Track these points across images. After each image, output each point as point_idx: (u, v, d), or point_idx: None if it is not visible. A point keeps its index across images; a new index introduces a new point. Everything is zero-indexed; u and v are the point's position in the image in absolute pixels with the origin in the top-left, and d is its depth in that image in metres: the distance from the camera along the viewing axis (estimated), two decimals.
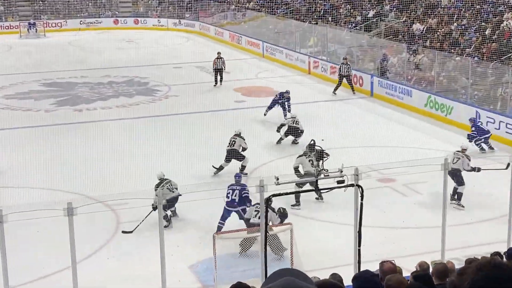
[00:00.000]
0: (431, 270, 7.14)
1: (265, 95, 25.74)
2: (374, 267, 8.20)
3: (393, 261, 6.69)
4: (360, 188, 10.39)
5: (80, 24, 44.83)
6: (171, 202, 12.87)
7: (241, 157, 16.25)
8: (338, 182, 10.20)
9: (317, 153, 10.69)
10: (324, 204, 14.65)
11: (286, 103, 21.23)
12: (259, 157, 17.60)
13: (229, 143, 16.29)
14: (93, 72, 29.77)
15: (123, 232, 12.86)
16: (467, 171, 14.23)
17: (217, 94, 25.44)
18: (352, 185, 10.39)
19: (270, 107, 21.09)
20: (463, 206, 14.23)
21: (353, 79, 25.62)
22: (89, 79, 28.75)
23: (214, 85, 26.69)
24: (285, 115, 20.51)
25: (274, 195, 10.52)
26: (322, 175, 10.61)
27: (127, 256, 12.67)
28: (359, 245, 10.71)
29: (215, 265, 11.59)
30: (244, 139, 16.34)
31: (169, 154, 17.93)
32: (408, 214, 14.26)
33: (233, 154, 16.17)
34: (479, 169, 14.09)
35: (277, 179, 10.31)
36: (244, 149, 16.27)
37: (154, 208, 12.10)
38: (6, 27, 43.28)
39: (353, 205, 10.71)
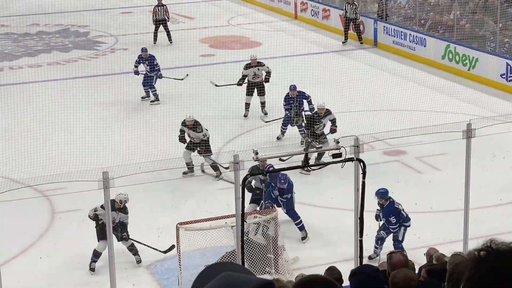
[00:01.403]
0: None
1: (240, 47, 25.70)
2: (379, 262, 8.25)
3: (404, 253, 6.76)
4: (361, 163, 10.43)
5: None
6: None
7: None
8: (334, 155, 10.23)
9: (306, 119, 10.64)
10: (316, 184, 14.69)
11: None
12: (233, 126, 17.56)
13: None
14: (17, 20, 29.40)
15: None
16: None
17: (178, 46, 25.28)
18: (351, 159, 10.43)
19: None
20: None
21: (361, 24, 25.57)
22: (11, 28, 28.41)
23: (154, 43, 25.65)
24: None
25: (252, 174, 10.54)
26: (313, 147, 10.63)
27: (66, 255, 12.64)
28: (361, 235, 10.79)
29: (180, 264, 11.62)
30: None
31: (115, 124, 17.84)
32: (423, 195, 14.37)
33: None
34: None
35: (256, 153, 10.32)
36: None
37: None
38: None
39: (352, 185, 10.76)
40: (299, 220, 12.90)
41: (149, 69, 19.85)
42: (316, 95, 17.27)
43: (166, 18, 25.73)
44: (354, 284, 4.27)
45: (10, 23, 29.14)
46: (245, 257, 10.42)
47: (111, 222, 11.10)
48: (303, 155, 10.82)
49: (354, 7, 25.17)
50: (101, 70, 22.48)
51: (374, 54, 24.50)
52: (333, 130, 15.15)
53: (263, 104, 18.39)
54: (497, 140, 15.20)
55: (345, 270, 8.67)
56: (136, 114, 18.52)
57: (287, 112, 16.13)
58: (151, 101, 19.78)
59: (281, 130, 16.57)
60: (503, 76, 20.55)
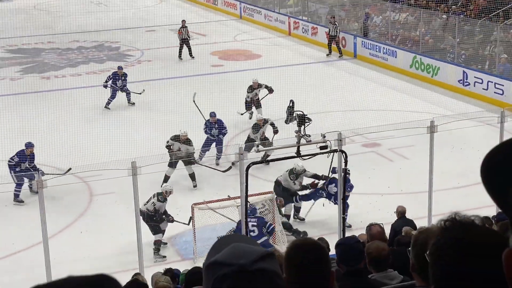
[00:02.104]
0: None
1: (244, 59, 25.64)
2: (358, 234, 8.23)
3: (381, 225, 6.74)
4: (344, 154, 10.42)
5: None
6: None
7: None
8: (321, 148, 10.21)
9: (298, 118, 10.61)
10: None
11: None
12: (238, 123, 17.55)
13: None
14: (61, 37, 29.34)
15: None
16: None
17: (193, 58, 25.23)
18: (335, 150, 10.41)
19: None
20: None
21: (340, 41, 25.52)
22: (56, 44, 28.35)
23: (180, 59, 25.29)
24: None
25: (254, 163, 10.53)
26: (304, 141, 10.60)
27: (101, 230, 12.64)
28: (343, 213, 10.79)
29: (194, 238, 11.63)
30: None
31: (141, 123, 17.84)
32: (394, 179, 14.34)
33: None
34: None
35: (257, 146, 10.32)
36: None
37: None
38: None
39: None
40: None
41: (122, 85, 19.46)
42: (306, 97, 17.25)
43: (188, 37, 25.50)
44: (339, 253, 4.25)
45: (55, 40, 29.06)
46: (247, 232, 10.41)
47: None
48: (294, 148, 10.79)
49: (335, 26, 25.16)
50: (129, 78, 22.41)
51: (354, 64, 24.43)
52: (275, 132, 15.33)
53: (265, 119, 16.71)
54: (456, 134, 15.16)
55: (331, 244, 8.69)
56: (158, 115, 18.46)
57: (208, 135, 15.48)
58: (131, 103, 19.79)
59: (200, 155, 15.26)
60: (460, 82, 20.51)
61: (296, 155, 10.50)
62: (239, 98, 18.51)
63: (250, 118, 18.01)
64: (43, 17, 34.90)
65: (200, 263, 10.15)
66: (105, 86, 19.60)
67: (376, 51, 24.26)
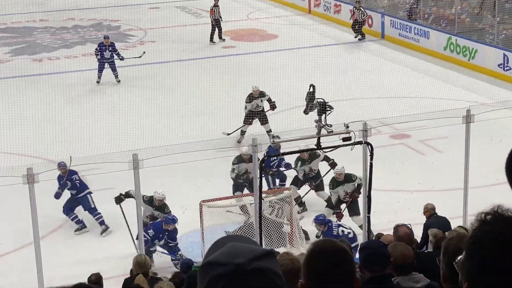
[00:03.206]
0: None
1: (258, 39, 25.62)
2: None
3: (409, 225, 6.72)
4: (369, 146, 10.40)
5: None
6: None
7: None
8: (344, 139, 10.19)
9: (319, 106, 10.56)
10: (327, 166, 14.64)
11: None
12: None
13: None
14: (55, 14, 29.45)
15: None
16: None
17: (201, 39, 25.23)
18: (360, 142, 10.39)
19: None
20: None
21: (364, 23, 25.19)
22: (50, 23, 28.45)
23: (212, 42, 25.18)
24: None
25: (269, 156, 10.56)
26: (325, 132, 10.59)
27: (99, 230, 12.71)
28: (369, 212, 10.78)
29: (203, 238, 11.66)
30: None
31: (144, 111, 17.88)
32: (426, 175, 14.31)
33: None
34: None
35: (273, 137, 10.33)
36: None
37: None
38: None
39: (361, 166, 10.73)
40: None
41: (110, 55, 20.06)
42: (327, 83, 17.20)
43: (220, 17, 25.22)
44: (363, 257, 4.25)
45: (49, 18, 29.17)
46: (261, 231, 10.42)
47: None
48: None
49: (360, 11, 24.87)
50: (131, 61, 22.48)
51: (381, 46, 24.35)
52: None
53: (269, 132, 15.54)
54: (495, 125, 15.10)
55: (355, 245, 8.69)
56: (162, 100, 18.48)
57: None
58: (118, 81, 20.34)
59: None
60: (500, 66, 20.39)
61: (316, 147, 10.50)
62: (249, 83, 18.47)
63: (239, 141, 16.02)
64: None
65: None
66: (99, 60, 20.15)
67: (406, 31, 24.16)
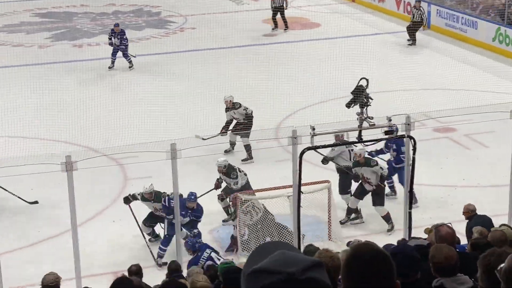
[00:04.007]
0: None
1: (300, 28, 25.55)
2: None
3: (449, 224, 6.67)
4: (412, 140, 10.35)
5: None
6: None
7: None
8: (386, 132, 10.18)
9: (364, 98, 10.59)
10: None
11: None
12: (292, 103, 17.51)
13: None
14: (95, 0, 29.69)
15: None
16: None
17: (242, 26, 25.23)
18: (403, 136, 10.35)
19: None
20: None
21: (421, 26, 23.58)
22: (90, 8, 28.70)
23: (273, 29, 25.09)
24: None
25: (309, 148, 10.53)
26: (367, 124, 10.56)
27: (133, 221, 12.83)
28: (410, 207, 10.74)
29: (238, 230, 11.71)
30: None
31: (183, 98, 17.96)
32: (471, 170, 14.18)
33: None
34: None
35: (313, 129, 10.31)
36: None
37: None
38: None
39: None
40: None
41: (119, 42, 20.68)
42: (370, 74, 17.10)
43: (284, 5, 24.96)
44: (396, 263, 4.23)
45: (89, 3, 29.41)
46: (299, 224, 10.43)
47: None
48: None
49: (420, 12, 23.42)
50: (170, 48, 22.62)
51: (426, 36, 24.07)
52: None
53: (246, 146, 14.95)
54: None
55: (394, 242, 8.66)
56: (201, 89, 18.55)
57: None
58: (129, 66, 20.81)
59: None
60: None
61: (357, 140, 10.49)
62: (290, 73, 18.46)
63: (228, 151, 15.19)
64: None
65: (244, 259, 10.24)
66: (111, 44, 20.82)
67: (453, 21, 23.87)
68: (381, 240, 9.76)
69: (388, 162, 12.89)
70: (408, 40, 23.28)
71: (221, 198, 12.67)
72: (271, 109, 16.34)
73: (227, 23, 25.58)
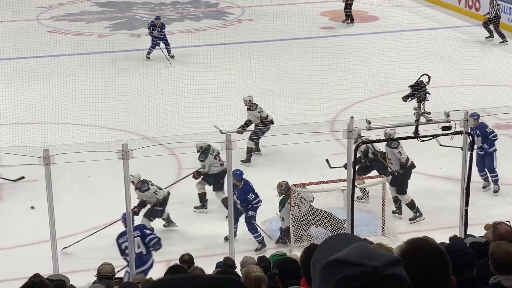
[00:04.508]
0: None
1: (358, 21, 25.38)
2: (483, 231, 8.11)
3: (508, 222, 6.56)
4: (470, 136, 10.21)
5: None
6: (161, 207, 12.34)
7: None
8: (444, 128, 10.05)
9: (420, 92, 10.44)
10: (425, 154, 14.44)
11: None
12: (348, 97, 17.42)
13: None
14: None
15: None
16: None
17: (300, 18, 25.19)
18: (460, 132, 10.21)
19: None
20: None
21: (496, 21, 22.70)
22: None
23: (348, 23, 25.04)
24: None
25: (363, 142, 10.50)
26: (424, 119, 10.45)
27: (190, 205, 12.94)
28: (467, 205, 10.59)
29: (291, 221, 11.74)
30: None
31: (239, 89, 18.01)
32: None
33: None
34: None
35: (369, 123, 10.25)
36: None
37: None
38: None
39: (460, 156, 10.55)
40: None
41: (158, 34, 21.03)
42: (428, 68, 16.90)
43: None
44: (450, 259, 4.17)
45: None
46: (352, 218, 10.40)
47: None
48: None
49: (495, 7, 22.77)
50: (228, 39, 22.69)
51: (487, 31, 23.64)
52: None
53: (256, 148, 14.90)
54: None
55: (446, 238, 8.56)
56: (258, 80, 18.57)
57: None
58: (171, 56, 21.06)
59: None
60: None
61: (413, 135, 10.39)
62: (347, 66, 18.35)
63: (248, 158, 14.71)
64: None
65: (297, 251, 10.26)
66: (151, 34, 21.17)
67: None
68: (434, 237, 9.64)
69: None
70: (487, 37, 22.73)
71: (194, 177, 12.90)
72: (327, 102, 16.28)
73: (285, 15, 25.56)
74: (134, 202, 11.14)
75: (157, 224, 12.26)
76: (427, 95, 10.55)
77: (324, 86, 17.18)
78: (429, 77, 10.56)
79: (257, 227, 11.90)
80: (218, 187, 12.85)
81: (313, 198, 11.88)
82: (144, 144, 11.69)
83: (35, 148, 10.46)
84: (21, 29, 23.39)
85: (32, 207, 12.69)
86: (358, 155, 12.54)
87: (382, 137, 12.02)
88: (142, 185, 12.02)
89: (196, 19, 26.07)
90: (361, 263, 1.47)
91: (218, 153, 12.66)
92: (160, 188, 12.32)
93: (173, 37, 23.37)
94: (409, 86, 10.81)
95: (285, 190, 11.91)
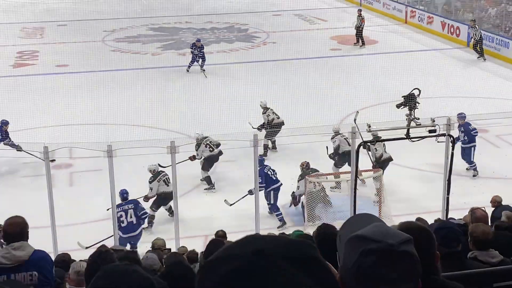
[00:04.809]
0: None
1: (361, 44, 25.19)
2: (461, 215, 8.00)
3: (483, 208, 6.50)
4: (451, 138, 10.09)
5: None
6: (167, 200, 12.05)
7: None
8: (430, 131, 9.94)
9: (411, 102, 10.42)
10: (414, 151, 14.32)
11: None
12: (352, 102, 17.31)
13: None
14: (197, 18, 30.02)
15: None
16: None
17: (313, 41, 25.09)
18: (443, 134, 10.10)
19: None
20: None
21: (481, 45, 22.28)
22: (192, 24, 29.03)
23: (360, 45, 24.49)
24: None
25: (365, 142, 10.41)
26: (414, 124, 10.36)
27: (224, 195, 12.91)
28: (448, 193, 10.48)
29: (304, 205, 11.70)
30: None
31: (264, 98, 17.95)
32: (500, 165, 13.74)
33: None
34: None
35: (369, 126, 10.16)
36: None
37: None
38: None
39: (443, 155, 10.43)
40: None
41: (198, 53, 20.90)
42: (418, 82, 16.76)
43: (361, 25, 24.68)
44: (441, 235, 4.13)
45: (192, 20, 29.76)
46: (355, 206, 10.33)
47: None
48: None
49: (474, 29, 22.39)
50: (256, 58, 22.68)
51: (466, 53, 23.42)
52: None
53: (274, 145, 14.69)
54: None
55: (431, 220, 8.46)
56: (278, 90, 18.50)
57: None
58: (202, 70, 20.68)
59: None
60: None
61: (405, 137, 10.29)
62: (352, 80, 18.23)
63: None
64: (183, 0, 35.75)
65: (310, 229, 10.21)
66: (192, 52, 21.10)
67: (489, 41, 23.14)
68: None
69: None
70: (478, 57, 22.29)
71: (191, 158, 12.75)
72: (336, 109, 16.18)
73: (301, 39, 25.48)
74: (180, 188, 11.09)
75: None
76: (417, 104, 10.46)
77: (332, 96, 17.12)
78: (419, 91, 10.47)
79: (277, 207, 11.86)
80: (204, 167, 12.97)
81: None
82: (188, 142, 11.68)
83: (100, 144, 10.50)
84: (90, 48, 23.57)
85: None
86: (330, 152, 12.68)
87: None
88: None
89: (230, 42, 26.05)
90: (379, 240, 1.45)
91: (211, 142, 13.02)
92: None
93: (211, 56, 23.38)
94: (402, 96, 10.72)
95: (306, 168, 12.03)
